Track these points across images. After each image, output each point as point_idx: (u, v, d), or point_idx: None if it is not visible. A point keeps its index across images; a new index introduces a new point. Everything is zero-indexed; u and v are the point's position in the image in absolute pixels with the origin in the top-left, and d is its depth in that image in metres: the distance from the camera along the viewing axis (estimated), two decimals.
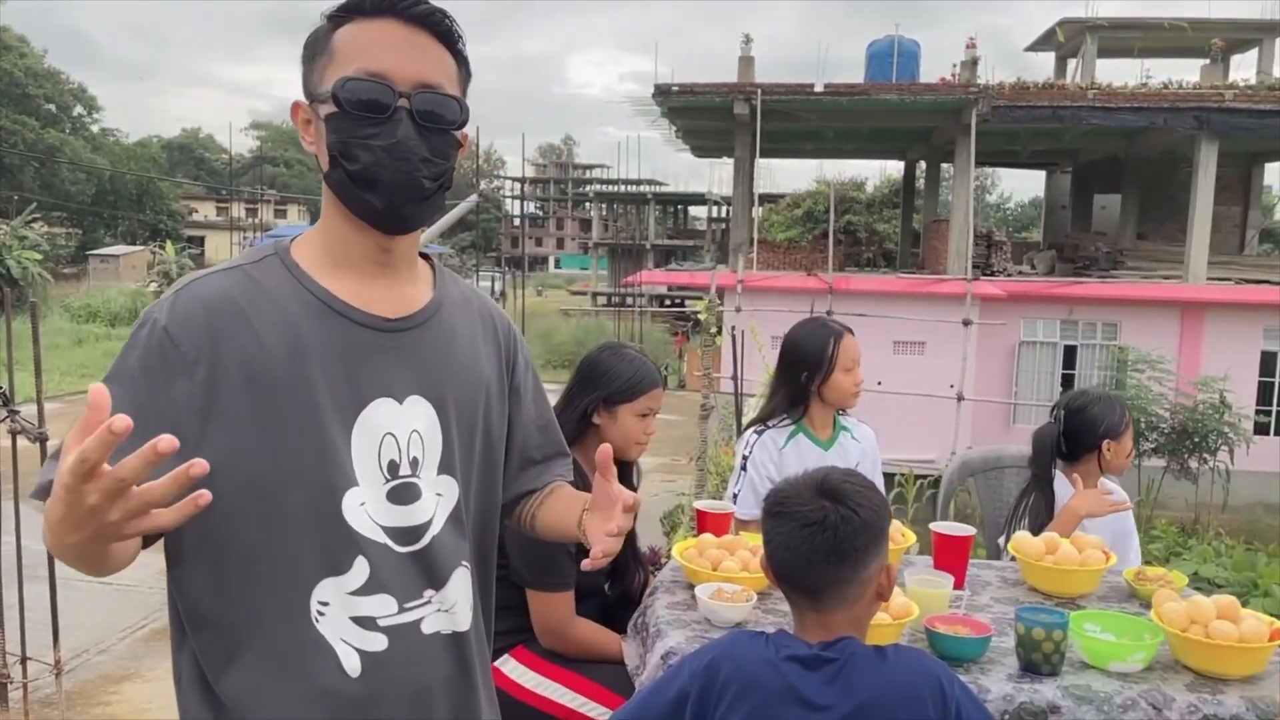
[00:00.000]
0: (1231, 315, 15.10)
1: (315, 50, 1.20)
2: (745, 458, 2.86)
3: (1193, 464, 13.43)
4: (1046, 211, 21.69)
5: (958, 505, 3.31)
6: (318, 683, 1.15)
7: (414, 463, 1.21)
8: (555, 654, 2.27)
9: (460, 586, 1.26)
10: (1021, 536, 2.34)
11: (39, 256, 24.39)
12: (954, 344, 13.16)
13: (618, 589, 2.44)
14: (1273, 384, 15.30)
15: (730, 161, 17.05)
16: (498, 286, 28.86)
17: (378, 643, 1.18)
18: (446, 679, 1.25)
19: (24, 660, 3.66)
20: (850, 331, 2.81)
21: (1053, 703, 1.76)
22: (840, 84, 14.56)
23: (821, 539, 1.47)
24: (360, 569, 1.16)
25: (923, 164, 19.66)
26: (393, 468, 1.19)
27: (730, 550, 2.26)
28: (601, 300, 33.54)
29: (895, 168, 23.31)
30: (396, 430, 1.19)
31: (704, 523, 2.44)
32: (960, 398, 12.12)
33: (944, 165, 19.31)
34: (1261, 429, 14.53)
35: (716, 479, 4.30)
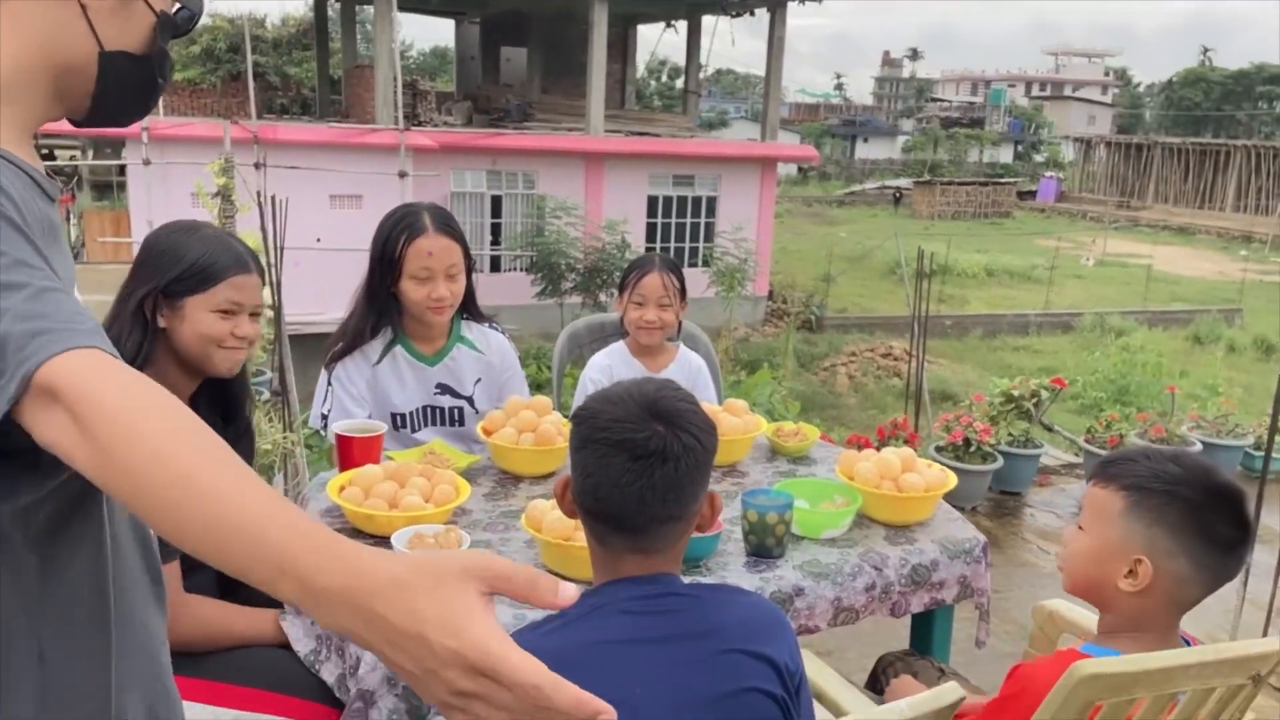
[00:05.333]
0: (624, 164, 17.02)
1: None
2: (329, 371, 2.38)
3: (603, 298, 15.23)
4: (458, 62, 21.98)
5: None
6: (139, 563, 1.06)
7: None
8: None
9: None
10: None
11: None
12: (391, 197, 12.89)
13: None
14: (656, 224, 17.74)
15: None
16: None
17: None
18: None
19: None
20: (446, 231, 2.28)
21: (796, 585, 1.75)
22: None
23: (661, 474, 1.20)
24: None
25: (336, 4, 18.46)
26: None
27: (401, 481, 1.85)
28: None
29: (296, 6, 21.61)
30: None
31: (348, 452, 1.97)
32: None
33: (359, 7, 18.35)
34: None
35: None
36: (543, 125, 17.35)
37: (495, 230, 16.18)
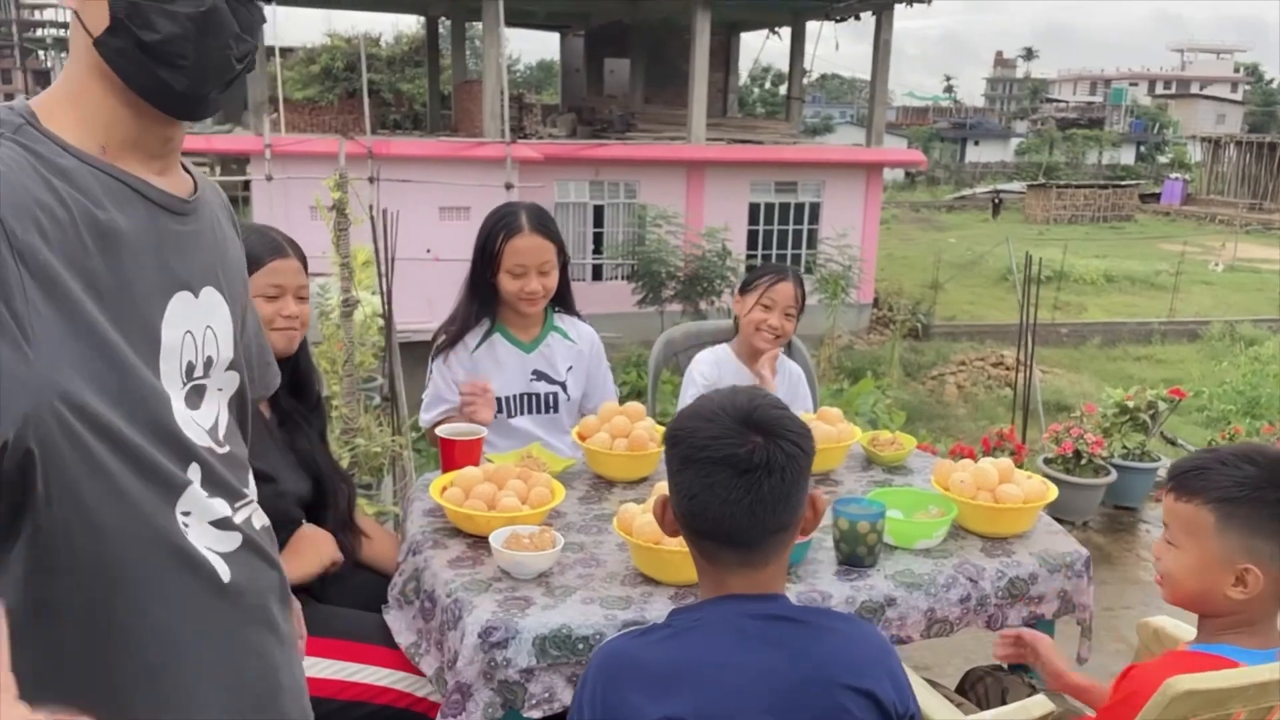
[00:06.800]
0: (726, 172, 17.00)
1: None
2: (432, 360, 2.53)
3: (703, 306, 15.24)
4: (563, 74, 22.38)
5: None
6: (201, 598, 1.06)
7: (208, 362, 1.11)
8: None
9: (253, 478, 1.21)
10: None
11: None
12: None
13: (334, 518, 1.95)
14: (758, 231, 17.65)
15: None
16: None
17: (234, 541, 1.11)
18: (277, 569, 1.20)
19: None
20: (541, 230, 2.39)
21: (888, 595, 1.74)
22: None
23: (769, 486, 1.20)
24: (195, 473, 1.07)
25: (446, 21, 19.02)
26: (190, 369, 1.08)
27: (499, 483, 1.92)
28: None
29: (409, 23, 22.36)
30: (194, 327, 1.08)
31: (450, 454, 2.05)
32: None
33: (469, 24, 18.86)
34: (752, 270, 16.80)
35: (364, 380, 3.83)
36: (645, 135, 17.48)
37: (597, 239, 16.38)
